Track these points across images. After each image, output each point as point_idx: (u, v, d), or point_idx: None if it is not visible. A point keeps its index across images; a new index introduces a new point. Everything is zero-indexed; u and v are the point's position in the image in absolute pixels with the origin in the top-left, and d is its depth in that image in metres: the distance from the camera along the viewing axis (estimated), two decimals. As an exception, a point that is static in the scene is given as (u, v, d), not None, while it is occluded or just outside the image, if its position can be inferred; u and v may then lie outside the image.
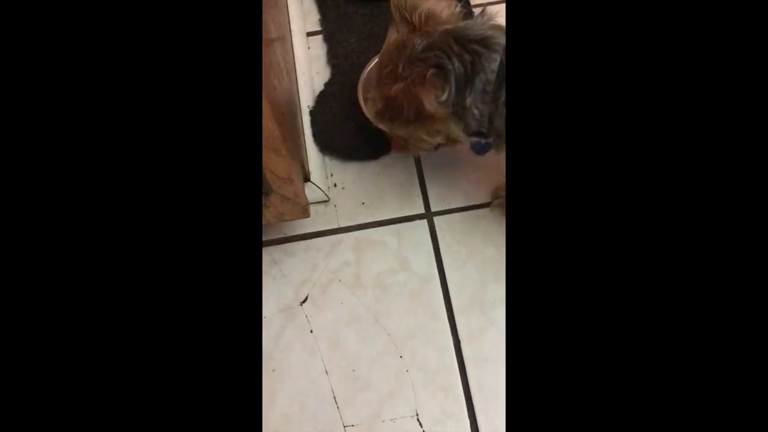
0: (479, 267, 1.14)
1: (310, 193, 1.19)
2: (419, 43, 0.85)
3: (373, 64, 1.24)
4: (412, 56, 0.85)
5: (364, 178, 1.23)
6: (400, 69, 0.85)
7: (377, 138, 1.21)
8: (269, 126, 0.78)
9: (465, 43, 0.83)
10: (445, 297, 1.11)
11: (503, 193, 1.16)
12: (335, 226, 1.19)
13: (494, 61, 0.83)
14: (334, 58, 1.32)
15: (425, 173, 1.23)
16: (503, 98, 0.83)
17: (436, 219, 1.18)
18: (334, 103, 1.26)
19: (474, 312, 1.10)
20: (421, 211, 1.19)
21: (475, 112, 0.86)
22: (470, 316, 1.09)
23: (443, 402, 1.04)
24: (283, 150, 0.85)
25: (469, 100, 0.85)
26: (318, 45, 1.36)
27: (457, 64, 0.83)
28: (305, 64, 1.31)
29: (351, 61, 1.30)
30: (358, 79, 1.23)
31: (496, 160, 1.01)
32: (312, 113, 1.26)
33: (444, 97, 0.84)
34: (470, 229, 1.17)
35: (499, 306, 1.10)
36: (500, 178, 1.19)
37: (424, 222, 1.18)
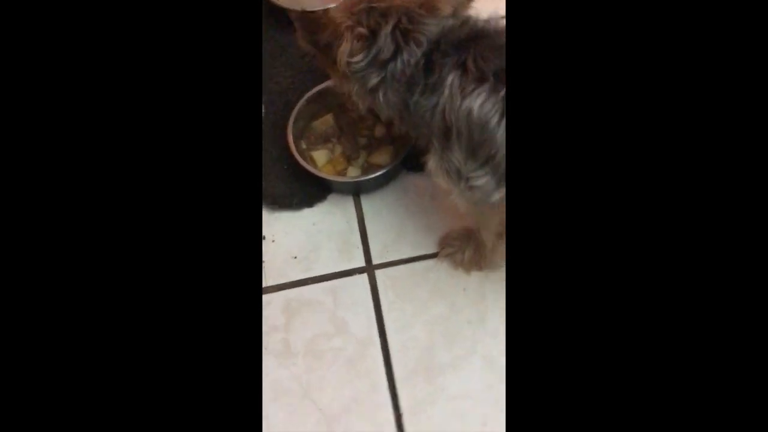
0: (426, 327, 1.00)
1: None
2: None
3: (302, 101, 1.12)
4: (370, 7, 0.80)
5: (297, 227, 1.10)
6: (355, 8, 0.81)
7: (312, 182, 1.09)
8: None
9: (417, 30, 0.79)
10: (386, 363, 0.98)
11: (453, 242, 1.04)
12: (261, 285, 1.05)
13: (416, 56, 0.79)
14: (266, 94, 1.20)
15: (366, 220, 1.11)
16: (416, 99, 0.80)
17: (377, 272, 1.06)
18: (265, 144, 1.14)
19: (419, 380, 0.96)
20: (361, 264, 1.07)
21: (381, 96, 0.82)
22: (415, 385, 0.96)
23: (381, 490, 0.89)
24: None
25: (375, 80, 0.81)
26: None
27: (389, 41, 0.79)
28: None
29: (285, 99, 1.18)
30: (289, 117, 1.12)
31: (448, 205, 0.91)
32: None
33: (354, 59, 0.80)
34: (416, 283, 1.04)
35: (448, 371, 0.97)
36: (452, 223, 1.06)
37: (365, 276, 1.06)
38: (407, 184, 1.13)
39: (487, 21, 0.82)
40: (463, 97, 0.76)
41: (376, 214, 1.11)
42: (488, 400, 0.93)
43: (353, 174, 1.10)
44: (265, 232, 1.10)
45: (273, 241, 1.09)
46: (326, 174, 1.09)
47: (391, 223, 1.10)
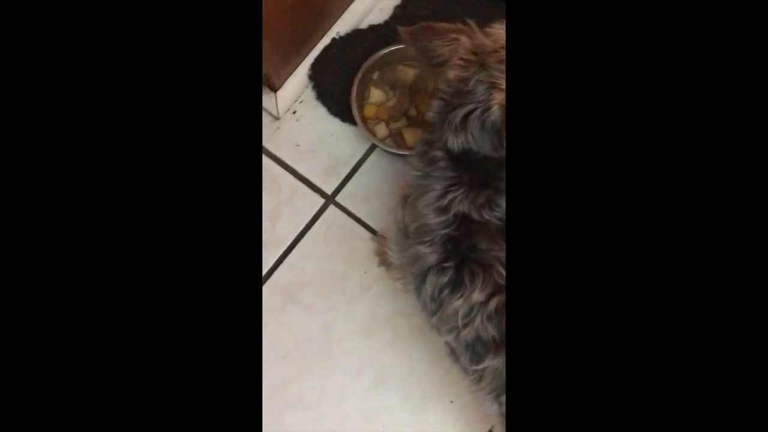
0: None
1: (266, 100, 1.23)
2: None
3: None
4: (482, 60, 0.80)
5: (325, 137, 1.24)
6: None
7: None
8: None
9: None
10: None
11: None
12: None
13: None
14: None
15: (363, 168, 1.23)
16: None
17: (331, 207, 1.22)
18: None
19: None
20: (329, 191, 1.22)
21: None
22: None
23: None
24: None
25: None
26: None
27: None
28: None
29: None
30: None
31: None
32: (336, 42, 1.24)
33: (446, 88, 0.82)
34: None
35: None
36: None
37: (321, 203, 1.22)
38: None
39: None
40: None
41: (373, 171, 1.23)
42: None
43: (381, 132, 1.20)
44: (299, 113, 1.25)
45: (297, 121, 1.25)
46: (367, 124, 1.20)
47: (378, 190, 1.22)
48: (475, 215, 0.82)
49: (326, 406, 1.11)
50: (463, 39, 0.81)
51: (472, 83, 0.79)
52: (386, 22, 1.27)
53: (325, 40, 1.25)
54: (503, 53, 0.78)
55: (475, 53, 0.80)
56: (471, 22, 0.83)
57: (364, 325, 1.15)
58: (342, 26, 1.25)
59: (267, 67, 1.15)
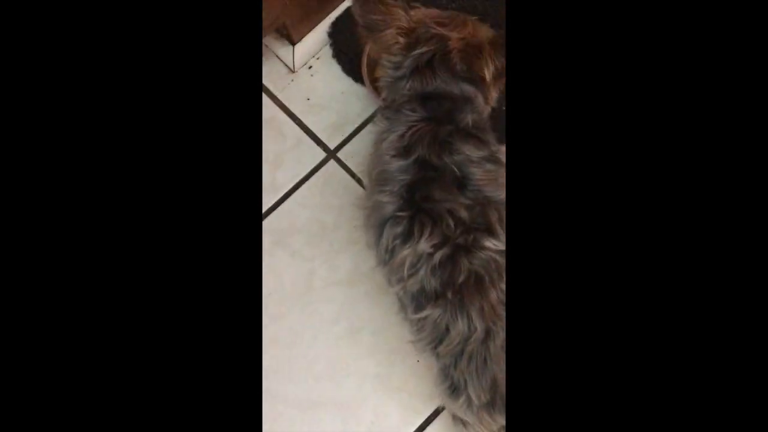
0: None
1: (284, 52, 1.27)
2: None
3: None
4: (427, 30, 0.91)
5: (336, 95, 1.28)
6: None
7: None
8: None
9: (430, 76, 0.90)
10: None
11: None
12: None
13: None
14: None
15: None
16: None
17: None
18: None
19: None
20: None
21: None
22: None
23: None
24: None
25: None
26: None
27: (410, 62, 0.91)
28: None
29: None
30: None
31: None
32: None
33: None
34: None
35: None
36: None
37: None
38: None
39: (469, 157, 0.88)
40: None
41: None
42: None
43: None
44: (314, 69, 1.30)
45: (312, 76, 1.30)
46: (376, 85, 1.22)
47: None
48: (434, 159, 0.85)
49: (298, 348, 1.15)
50: (399, 11, 0.90)
51: (420, 40, 0.89)
52: (412, -10, 1.29)
53: (348, 1, 1.28)
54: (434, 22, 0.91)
55: (412, 22, 0.91)
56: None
57: (345, 276, 1.18)
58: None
59: (286, 19, 1.20)
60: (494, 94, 0.96)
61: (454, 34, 0.91)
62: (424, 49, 0.90)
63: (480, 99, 0.93)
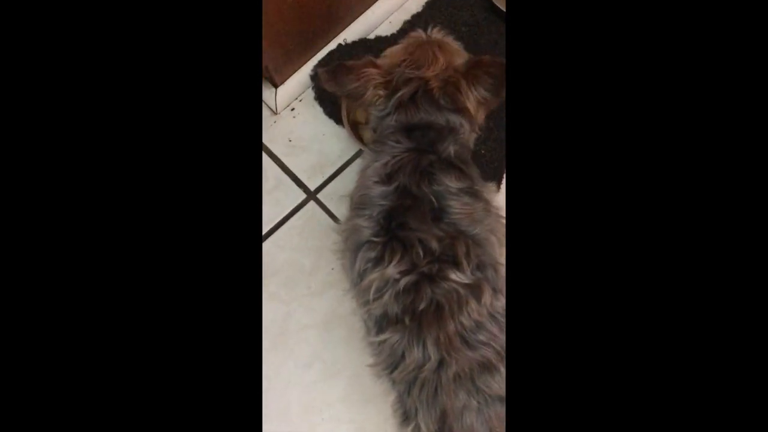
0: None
1: (267, 94, 1.28)
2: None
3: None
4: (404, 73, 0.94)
5: (317, 136, 1.29)
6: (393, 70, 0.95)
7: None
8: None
9: (414, 110, 0.93)
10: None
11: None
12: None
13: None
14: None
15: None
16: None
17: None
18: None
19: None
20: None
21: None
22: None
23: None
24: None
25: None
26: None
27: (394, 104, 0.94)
28: None
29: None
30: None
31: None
32: (342, 47, 1.29)
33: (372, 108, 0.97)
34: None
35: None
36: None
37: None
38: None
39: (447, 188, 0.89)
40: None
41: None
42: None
43: (368, 136, 1.23)
44: (297, 111, 1.30)
45: (294, 117, 1.30)
46: (356, 128, 1.24)
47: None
48: (414, 189, 0.87)
49: (271, 393, 1.14)
50: (370, 70, 0.93)
51: (399, 84, 0.92)
52: (393, 36, 1.31)
53: (332, 45, 1.30)
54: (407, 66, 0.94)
55: (385, 73, 0.94)
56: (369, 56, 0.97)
57: (322, 319, 1.17)
58: (350, 33, 1.30)
59: (269, 62, 1.21)
60: (481, 118, 0.98)
61: (429, 74, 0.93)
62: (405, 90, 0.93)
63: (466, 127, 0.95)
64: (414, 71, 0.93)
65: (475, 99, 0.94)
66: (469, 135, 0.96)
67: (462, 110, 0.94)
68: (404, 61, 0.94)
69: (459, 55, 0.98)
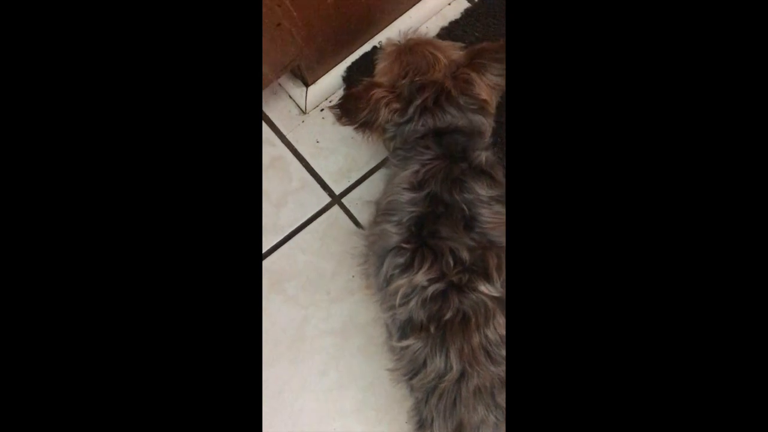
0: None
1: (297, 93, 1.26)
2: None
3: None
4: (411, 82, 0.94)
5: (346, 139, 1.27)
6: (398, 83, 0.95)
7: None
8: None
9: (436, 114, 0.92)
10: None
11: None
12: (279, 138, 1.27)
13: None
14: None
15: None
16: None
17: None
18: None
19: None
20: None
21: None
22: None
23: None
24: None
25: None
26: None
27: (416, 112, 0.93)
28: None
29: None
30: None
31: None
32: (376, 50, 1.26)
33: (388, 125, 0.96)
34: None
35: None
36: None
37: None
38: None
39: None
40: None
41: (383, 182, 1.24)
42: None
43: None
44: (327, 112, 1.28)
45: (323, 118, 1.28)
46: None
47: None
48: (445, 195, 0.86)
49: (284, 399, 1.12)
50: (375, 91, 0.93)
51: (413, 94, 0.92)
52: (429, 41, 1.28)
53: (366, 47, 1.27)
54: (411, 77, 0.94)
55: (391, 88, 0.94)
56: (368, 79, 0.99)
57: (339, 327, 1.15)
58: (385, 37, 1.28)
59: (301, 61, 1.19)
60: (494, 105, 0.98)
61: (439, 75, 0.93)
62: (426, 94, 0.92)
63: (488, 126, 0.95)
64: (422, 77, 0.93)
65: (487, 86, 0.94)
66: (489, 130, 0.97)
67: (481, 107, 0.93)
68: (405, 71, 0.94)
69: (452, 47, 0.98)
